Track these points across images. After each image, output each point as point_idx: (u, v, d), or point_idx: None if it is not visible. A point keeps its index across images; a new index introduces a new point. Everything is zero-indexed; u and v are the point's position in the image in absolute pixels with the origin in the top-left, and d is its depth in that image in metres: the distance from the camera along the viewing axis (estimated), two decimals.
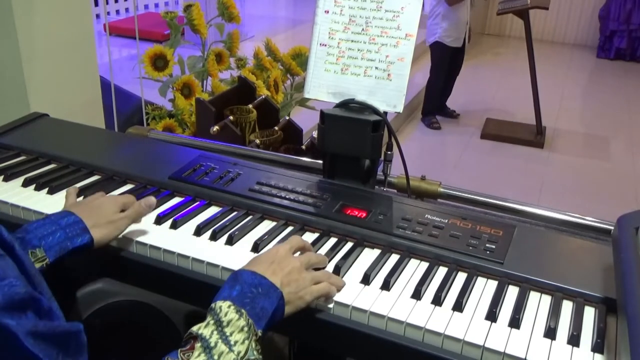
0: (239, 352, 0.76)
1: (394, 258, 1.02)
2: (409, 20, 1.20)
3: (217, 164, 1.27)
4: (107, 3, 6.15)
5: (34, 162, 1.31)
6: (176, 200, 1.18)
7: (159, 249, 1.02)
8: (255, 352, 0.78)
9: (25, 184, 1.21)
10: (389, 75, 1.21)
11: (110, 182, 1.23)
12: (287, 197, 1.15)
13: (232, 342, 0.76)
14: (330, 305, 0.91)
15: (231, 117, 2.03)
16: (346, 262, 0.99)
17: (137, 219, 1.05)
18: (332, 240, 1.07)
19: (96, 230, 0.97)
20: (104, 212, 1.01)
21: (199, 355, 0.74)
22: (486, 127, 4.92)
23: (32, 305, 0.65)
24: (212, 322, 0.78)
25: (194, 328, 0.77)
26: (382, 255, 1.02)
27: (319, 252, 1.02)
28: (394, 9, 1.21)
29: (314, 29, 1.26)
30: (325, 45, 1.26)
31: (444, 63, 4.79)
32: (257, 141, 1.97)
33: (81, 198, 1.13)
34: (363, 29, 1.23)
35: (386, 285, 0.94)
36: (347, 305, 0.90)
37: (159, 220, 1.09)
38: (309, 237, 1.07)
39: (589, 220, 1.21)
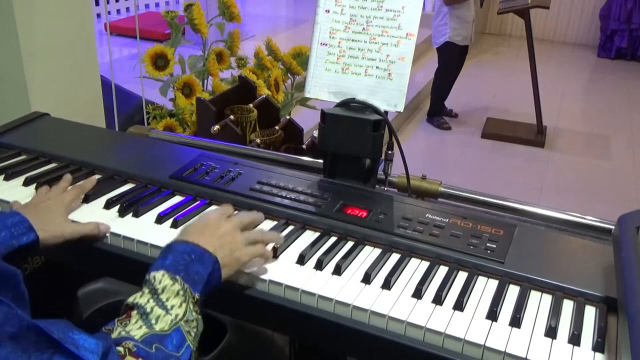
0: (176, 315, 0.77)
1: (395, 257, 1.02)
2: (410, 19, 1.20)
3: (217, 163, 1.27)
4: (108, 2, 6.15)
5: (35, 161, 1.31)
6: (177, 199, 1.18)
7: (159, 248, 1.02)
8: (194, 313, 0.80)
9: (26, 183, 1.21)
10: (389, 74, 1.21)
11: (110, 181, 1.23)
12: (287, 196, 1.15)
13: (168, 307, 0.78)
14: (331, 304, 0.91)
15: (232, 117, 2.03)
16: (347, 261, 0.99)
17: (86, 234, 1.04)
18: (333, 240, 1.07)
19: (42, 232, 0.98)
20: (51, 217, 1.02)
21: (136, 322, 0.76)
22: (487, 127, 4.92)
23: None
24: (147, 291, 0.80)
25: (130, 299, 0.79)
26: (383, 254, 1.02)
27: (319, 251, 1.03)
28: (395, 8, 1.21)
29: (314, 28, 1.26)
30: (326, 44, 1.26)
31: (453, 63, 4.77)
32: (258, 140, 1.97)
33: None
34: (364, 28, 1.23)
35: (387, 285, 0.94)
36: (347, 305, 0.90)
37: (160, 220, 1.09)
38: (310, 236, 1.08)
39: (589, 220, 1.21)
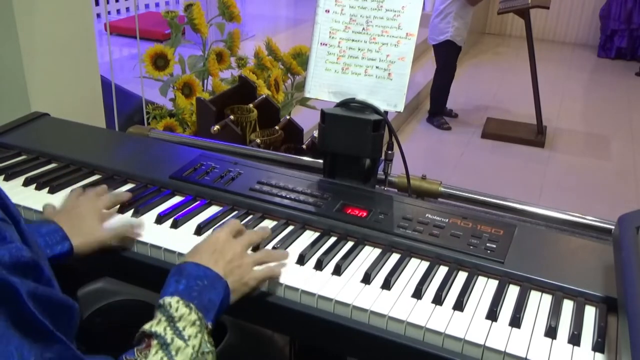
0: (194, 346, 0.77)
1: (395, 257, 1.02)
2: (410, 19, 1.20)
3: (217, 163, 1.27)
4: (108, 2, 6.15)
5: (35, 161, 1.31)
6: (177, 199, 1.18)
7: (159, 248, 1.02)
8: (208, 345, 0.79)
9: (26, 183, 1.21)
10: (389, 74, 1.21)
11: (110, 181, 1.23)
12: (287, 196, 1.15)
13: (186, 337, 0.77)
14: (331, 304, 0.91)
15: (232, 117, 2.03)
16: (347, 262, 0.99)
17: (120, 236, 1.03)
18: (333, 240, 1.07)
19: (76, 239, 0.97)
20: (85, 224, 1.01)
21: (156, 352, 0.74)
22: (487, 127, 4.91)
23: (34, 271, 0.65)
24: (163, 318, 0.78)
25: (146, 326, 0.78)
26: (383, 254, 1.02)
27: (319, 251, 1.02)
28: (395, 8, 1.21)
29: (314, 28, 1.26)
30: (326, 44, 1.26)
31: (452, 61, 4.79)
32: (258, 140, 1.97)
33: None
34: (364, 28, 1.23)
35: (387, 285, 0.94)
36: (347, 305, 0.90)
37: (160, 220, 1.09)
38: (310, 236, 1.08)
39: (589, 220, 1.21)
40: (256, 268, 0.93)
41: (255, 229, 1.05)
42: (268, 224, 1.11)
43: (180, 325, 0.77)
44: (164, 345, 0.75)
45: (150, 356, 0.74)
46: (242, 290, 0.90)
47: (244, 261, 0.92)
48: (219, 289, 0.85)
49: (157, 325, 0.77)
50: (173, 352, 0.75)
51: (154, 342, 0.76)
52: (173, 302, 0.79)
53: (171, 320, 0.78)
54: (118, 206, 1.13)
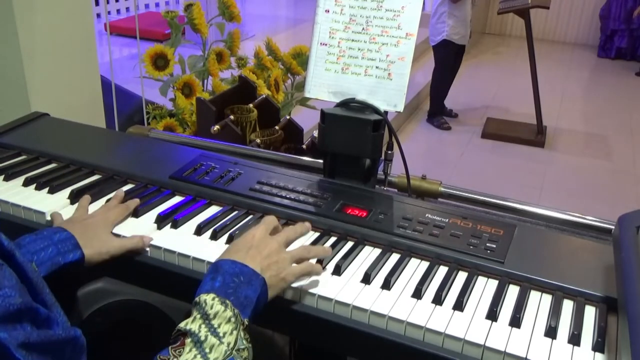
0: (229, 343, 0.76)
1: (395, 257, 1.02)
2: (410, 19, 1.20)
3: (217, 163, 1.27)
4: (108, 2, 6.16)
5: (35, 161, 1.31)
6: (177, 199, 1.18)
7: (159, 248, 1.02)
8: (244, 341, 0.78)
9: (26, 183, 1.21)
10: (389, 74, 1.21)
11: (110, 181, 1.24)
12: (287, 196, 1.15)
13: (221, 334, 0.76)
14: (331, 304, 0.91)
15: (232, 117, 2.03)
16: (347, 262, 0.99)
17: (131, 249, 1.03)
18: (333, 240, 1.07)
19: (88, 249, 0.97)
20: (97, 234, 1.00)
21: (190, 350, 0.74)
22: (487, 127, 4.92)
23: (27, 315, 0.64)
24: (198, 316, 0.78)
25: (182, 324, 0.77)
26: (383, 254, 1.02)
27: None
28: (395, 8, 1.21)
29: (314, 28, 1.26)
30: (326, 44, 1.26)
31: (450, 61, 4.79)
32: (258, 140, 1.97)
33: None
34: (363, 28, 1.23)
35: (387, 285, 0.94)
36: (347, 305, 0.90)
37: (160, 220, 1.09)
38: (310, 236, 1.08)
39: (589, 220, 1.21)
40: (294, 264, 0.93)
41: (296, 225, 1.02)
42: None
43: (215, 322, 0.77)
44: (198, 343, 0.75)
45: (184, 354, 0.74)
46: (279, 286, 0.89)
47: (280, 257, 0.91)
48: (255, 285, 0.85)
49: (192, 323, 0.77)
50: (207, 350, 0.74)
51: (188, 340, 0.76)
52: (208, 300, 0.79)
53: (206, 318, 0.77)
54: (128, 214, 1.12)
